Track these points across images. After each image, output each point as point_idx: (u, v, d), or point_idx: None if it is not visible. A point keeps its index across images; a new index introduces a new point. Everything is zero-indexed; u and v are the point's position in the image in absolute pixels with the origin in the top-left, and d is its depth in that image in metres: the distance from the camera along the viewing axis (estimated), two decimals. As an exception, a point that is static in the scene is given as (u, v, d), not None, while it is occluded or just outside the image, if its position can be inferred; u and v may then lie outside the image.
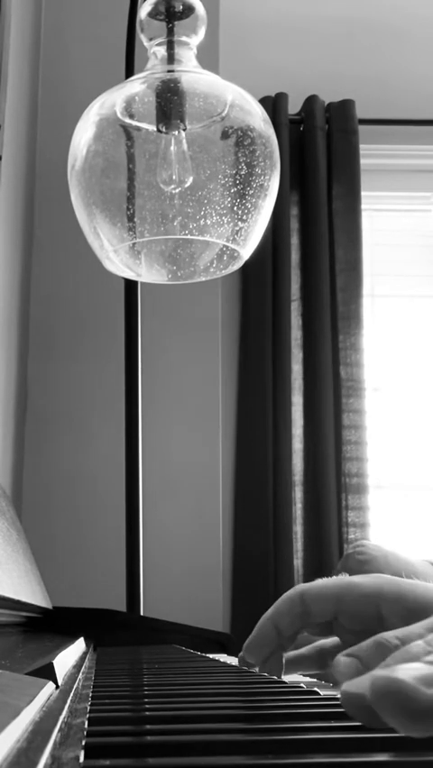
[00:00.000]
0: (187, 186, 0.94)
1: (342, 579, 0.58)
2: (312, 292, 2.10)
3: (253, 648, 0.58)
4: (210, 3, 1.08)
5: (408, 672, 0.26)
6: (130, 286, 1.39)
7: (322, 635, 0.60)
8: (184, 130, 0.94)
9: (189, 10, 0.95)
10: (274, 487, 1.98)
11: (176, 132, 0.94)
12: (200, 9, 0.95)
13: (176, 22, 0.94)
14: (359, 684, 0.27)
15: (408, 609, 0.54)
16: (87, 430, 1.81)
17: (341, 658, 0.48)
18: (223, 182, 0.94)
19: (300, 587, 0.58)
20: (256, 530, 1.96)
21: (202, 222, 0.94)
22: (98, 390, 1.80)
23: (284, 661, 0.60)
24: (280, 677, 0.57)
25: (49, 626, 1.03)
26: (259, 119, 0.96)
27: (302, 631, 0.59)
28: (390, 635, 0.48)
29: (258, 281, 2.08)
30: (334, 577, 0.59)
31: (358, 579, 0.57)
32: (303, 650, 0.63)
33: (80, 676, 0.51)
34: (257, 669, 0.59)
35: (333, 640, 0.62)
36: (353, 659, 0.48)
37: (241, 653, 0.60)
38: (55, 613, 1.03)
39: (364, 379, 2.07)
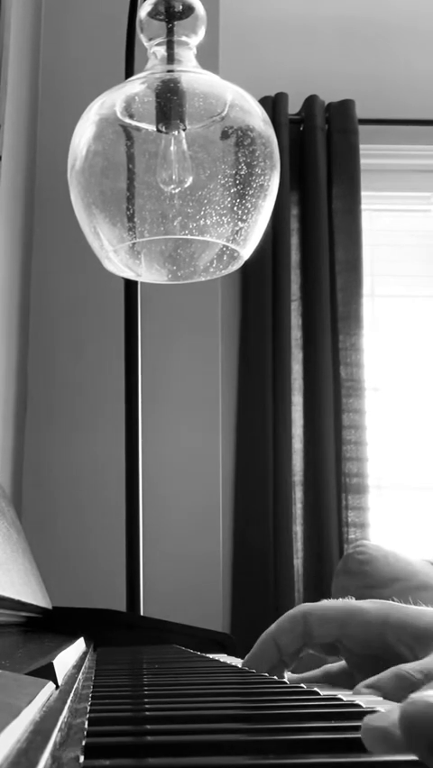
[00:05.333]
0: (187, 186, 0.94)
1: (347, 603, 0.58)
2: (312, 292, 2.10)
3: (253, 663, 0.58)
4: (210, 3, 1.08)
5: None
6: (130, 286, 1.39)
7: (327, 654, 0.60)
8: (184, 130, 0.94)
9: (189, 10, 0.95)
10: (274, 487, 1.98)
11: (176, 132, 0.94)
12: (200, 9, 0.95)
13: (176, 22, 0.94)
14: (382, 718, 0.25)
15: (414, 637, 0.54)
16: (87, 430, 1.81)
17: (361, 689, 0.48)
18: (223, 182, 0.94)
19: (304, 607, 0.58)
20: (256, 530, 1.96)
21: (202, 222, 0.94)
22: (98, 391, 1.80)
23: (286, 677, 0.60)
24: None
25: (49, 626, 1.03)
26: (259, 119, 0.95)
27: (306, 649, 0.59)
28: (410, 668, 0.47)
29: (258, 281, 2.08)
30: (339, 600, 0.58)
31: (364, 604, 0.57)
32: (308, 674, 0.63)
33: (80, 676, 0.51)
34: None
35: (339, 664, 0.61)
36: (373, 690, 0.48)
37: (241, 665, 0.60)
38: (55, 613, 1.03)
39: (364, 379, 2.07)
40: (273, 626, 0.59)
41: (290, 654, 0.58)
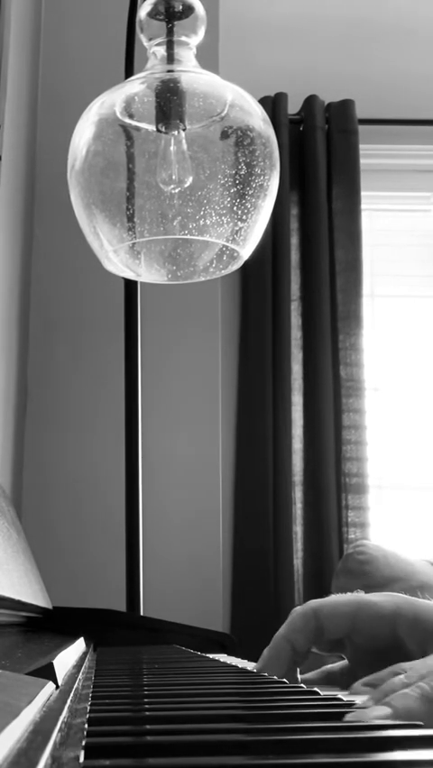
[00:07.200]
0: (186, 186, 0.94)
1: (357, 596, 0.58)
2: (312, 292, 2.10)
3: (270, 665, 0.58)
4: (210, 3, 1.08)
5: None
6: (130, 286, 1.39)
7: (331, 652, 0.59)
8: (184, 130, 0.94)
9: (189, 10, 0.95)
10: (274, 487, 1.98)
11: (175, 132, 0.94)
12: (200, 9, 0.95)
13: (176, 22, 0.94)
14: (363, 715, 0.29)
15: (424, 631, 0.54)
16: (87, 430, 1.81)
17: (359, 687, 0.49)
18: (222, 182, 0.94)
19: (314, 603, 0.58)
20: (256, 530, 1.96)
21: (202, 222, 0.94)
22: (98, 391, 1.80)
23: (299, 677, 0.59)
24: None
25: (49, 626, 1.03)
26: (258, 119, 0.95)
27: (313, 647, 0.59)
28: (408, 667, 0.48)
29: (258, 281, 2.08)
30: (348, 594, 0.58)
31: (374, 597, 0.57)
32: (310, 674, 0.63)
33: (80, 676, 0.51)
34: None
35: (340, 664, 0.61)
36: (370, 688, 0.48)
37: (256, 669, 0.59)
38: (55, 613, 1.03)
39: (364, 379, 2.07)
40: (285, 626, 0.58)
41: (303, 654, 0.58)
